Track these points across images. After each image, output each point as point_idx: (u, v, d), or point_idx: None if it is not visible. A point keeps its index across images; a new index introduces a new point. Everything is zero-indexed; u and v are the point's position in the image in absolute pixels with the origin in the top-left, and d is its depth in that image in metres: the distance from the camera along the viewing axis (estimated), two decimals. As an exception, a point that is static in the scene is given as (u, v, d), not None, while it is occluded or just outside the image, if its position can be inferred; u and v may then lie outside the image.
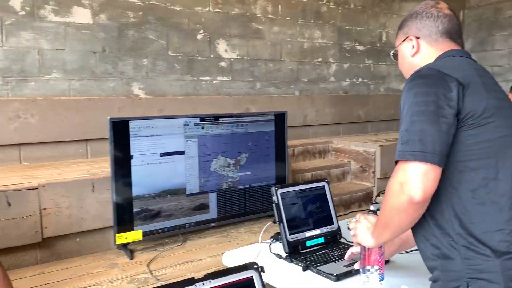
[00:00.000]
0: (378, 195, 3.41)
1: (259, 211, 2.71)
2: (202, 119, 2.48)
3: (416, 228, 1.14)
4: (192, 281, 0.93)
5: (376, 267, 1.33)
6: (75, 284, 1.93)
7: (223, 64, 4.01)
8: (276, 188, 1.73)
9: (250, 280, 0.99)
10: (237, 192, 2.62)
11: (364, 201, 3.50)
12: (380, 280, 1.32)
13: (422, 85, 1.06)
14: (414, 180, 1.01)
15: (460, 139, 1.06)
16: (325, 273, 1.51)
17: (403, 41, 1.32)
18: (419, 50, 1.26)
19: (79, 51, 3.25)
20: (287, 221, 1.71)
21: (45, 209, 2.17)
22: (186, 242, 2.43)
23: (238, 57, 4.09)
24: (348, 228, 1.43)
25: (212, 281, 0.95)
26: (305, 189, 1.82)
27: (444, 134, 1.02)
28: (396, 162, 1.07)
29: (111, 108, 3.13)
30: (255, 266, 1.00)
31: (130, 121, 2.25)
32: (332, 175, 3.59)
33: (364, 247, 1.32)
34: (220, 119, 2.54)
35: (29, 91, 3.07)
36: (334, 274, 1.49)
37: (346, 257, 1.55)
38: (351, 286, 1.46)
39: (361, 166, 3.65)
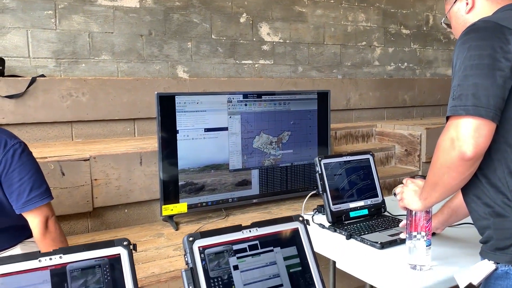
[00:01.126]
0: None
1: (300, 190, 2.71)
2: (245, 96, 2.50)
3: (467, 188, 1.11)
4: (240, 228, 0.95)
5: (423, 233, 1.30)
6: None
7: (265, 47, 4.01)
8: (320, 158, 1.72)
9: (296, 231, 0.99)
10: (279, 169, 2.63)
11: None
12: (427, 245, 1.29)
13: (476, 39, 1.02)
14: (466, 136, 0.98)
15: None
16: (370, 241, 1.50)
17: (455, 2, 1.28)
18: (474, 5, 1.20)
19: (127, 34, 3.36)
20: (330, 191, 1.71)
21: (96, 180, 2.27)
22: (228, 217, 2.48)
23: (281, 41, 4.08)
24: (394, 194, 1.40)
25: (258, 229, 0.96)
26: (349, 160, 1.80)
27: (499, 88, 0.98)
28: (447, 118, 1.04)
29: (157, 88, 3.20)
30: (301, 218, 1.00)
31: (176, 96, 2.31)
32: (375, 158, 3.52)
33: (411, 212, 1.30)
34: (262, 96, 2.55)
35: (79, 72, 3.21)
36: (379, 242, 1.47)
37: (400, 225, 1.54)
38: (396, 255, 1.44)
39: (406, 150, 3.56)
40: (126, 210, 2.41)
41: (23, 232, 1.64)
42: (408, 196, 1.27)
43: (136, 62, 3.44)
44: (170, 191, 2.31)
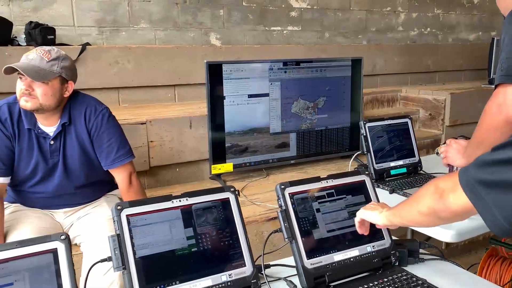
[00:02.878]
0: (445, 143, 3.50)
1: (333, 152, 2.92)
2: (285, 63, 2.67)
3: None
4: (319, 179, 1.14)
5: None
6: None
7: (293, 14, 4.12)
8: (365, 122, 1.91)
9: (362, 183, 1.19)
10: (315, 133, 2.83)
11: (432, 148, 3.60)
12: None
13: None
14: None
15: None
16: (410, 194, 1.71)
17: None
18: None
19: (163, 2, 3.49)
20: (373, 151, 1.91)
21: (151, 141, 2.49)
22: (269, 176, 2.70)
23: (308, 7, 4.18)
24: (437, 153, 1.59)
25: (334, 180, 1.15)
26: (390, 124, 1.99)
27: None
28: (496, 86, 1.21)
29: (194, 56, 3.37)
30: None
31: (223, 64, 2.48)
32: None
33: (453, 168, 1.50)
34: (301, 64, 2.72)
35: (120, 40, 3.38)
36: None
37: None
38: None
39: (430, 114, 3.72)
40: (177, 169, 2.64)
41: (106, 186, 1.89)
42: (452, 154, 1.46)
43: (172, 30, 3.59)
44: (218, 152, 2.53)
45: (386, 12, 4.64)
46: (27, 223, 1.64)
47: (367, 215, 1.13)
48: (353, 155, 2.29)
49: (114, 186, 1.90)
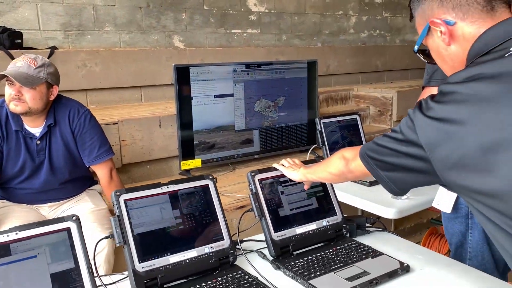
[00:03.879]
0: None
1: (293, 146, 3.17)
2: (248, 66, 2.89)
3: None
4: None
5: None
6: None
7: (252, 17, 4.35)
8: (320, 119, 2.17)
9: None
10: (276, 129, 3.07)
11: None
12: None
13: None
14: None
15: None
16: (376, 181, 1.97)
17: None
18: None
19: (127, 7, 3.63)
20: (328, 144, 2.16)
21: (123, 140, 2.64)
22: (235, 170, 2.91)
23: (266, 11, 4.42)
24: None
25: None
26: (341, 120, 2.26)
27: None
28: (423, 88, 1.48)
29: (159, 58, 3.53)
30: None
31: (190, 67, 2.67)
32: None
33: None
34: (262, 66, 2.95)
35: (86, 43, 3.49)
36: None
37: None
38: None
39: (379, 111, 4.06)
40: (148, 166, 2.80)
41: (87, 182, 2.04)
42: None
43: (136, 33, 3.73)
44: (187, 149, 2.71)
45: (339, 15, 4.96)
46: (14, 217, 1.77)
47: (287, 172, 1.39)
48: (309, 149, 2.55)
49: (94, 182, 2.05)
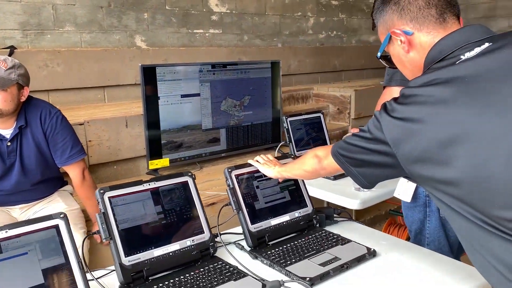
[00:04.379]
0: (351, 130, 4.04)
1: (259, 144, 3.26)
2: (213, 66, 2.95)
3: None
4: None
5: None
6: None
7: (214, 17, 4.40)
8: (286, 117, 2.27)
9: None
10: (242, 128, 3.15)
11: (341, 137, 4.11)
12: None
13: None
14: None
15: None
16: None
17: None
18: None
19: (88, 6, 3.58)
20: (294, 141, 2.27)
21: (90, 141, 2.63)
22: (202, 168, 2.97)
23: (228, 11, 4.48)
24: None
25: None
26: (306, 118, 2.37)
27: None
28: (384, 87, 1.61)
29: (123, 58, 3.52)
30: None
31: (157, 67, 2.70)
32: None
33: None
34: (227, 66, 3.02)
35: (46, 43, 3.42)
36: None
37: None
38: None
39: (338, 109, 4.23)
40: (115, 167, 2.81)
41: (58, 182, 2.03)
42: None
43: (98, 32, 3.69)
44: (155, 149, 2.74)
45: (297, 16, 5.10)
46: (-16, 220, 1.75)
47: (262, 169, 1.48)
48: (275, 146, 2.64)
49: (65, 182, 2.05)
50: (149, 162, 2.72)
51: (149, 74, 2.67)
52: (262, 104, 3.23)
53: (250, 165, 1.50)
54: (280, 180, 1.51)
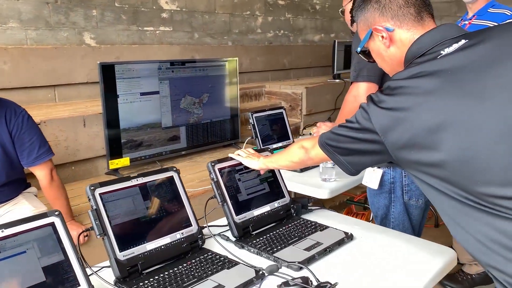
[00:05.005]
0: (304, 128, 4.17)
1: (218, 142, 3.30)
2: (172, 63, 2.94)
3: None
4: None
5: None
6: (81, 199, 2.37)
7: (164, 15, 4.36)
8: (252, 113, 2.33)
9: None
10: (202, 125, 3.17)
11: (294, 134, 4.23)
12: (333, 165, 2.01)
13: None
14: (362, 94, 1.68)
15: None
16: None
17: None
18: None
19: (33, 2, 3.42)
20: (260, 136, 2.34)
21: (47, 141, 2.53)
22: (163, 167, 2.95)
23: (178, 9, 4.46)
24: (310, 134, 2.08)
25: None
26: (270, 114, 2.45)
27: None
28: (352, 83, 1.72)
29: (73, 56, 3.40)
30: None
31: (115, 65, 2.65)
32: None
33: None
34: (186, 64, 3.02)
35: (-13, 39, 3.23)
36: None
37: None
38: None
39: (290, 105, 4.36)
40: (73, 167, 2.72)
41: (23, 184, 1.95)
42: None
43: (44, 29, 3.53)
44: (115, 148, 2.69)
45: (246, 15, 5.17)
46: None
47: (246, 161, 1.53)
48: (234, 143, 2.67)
49: (29, 184, 1.97)
50: (109, 161, 2.67)
51: (107, 72, 2.62)
52: (220, 101, 3.27)
53: (232, 158, 1.54)
54: (262, 172, 1.57)
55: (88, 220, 2.07)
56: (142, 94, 2.80)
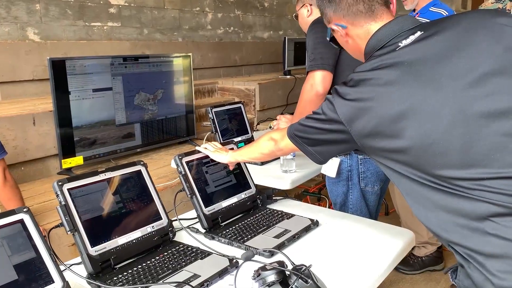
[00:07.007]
0: (258, 123, 4.23)
1: (173, 138, 3.27)
2: (125, 59, 2.88)
3: None
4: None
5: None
6: (34, 200, 2.28)
7: (112, 10, 4.24)
8: (211, 108, 2.34)
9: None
10: (156, 122, 3.13)
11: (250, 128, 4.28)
12: (293, 156, 2.06)
13: (319, 28, 1.78)
14: (318, 82, 1.75)
15: None
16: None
17: (301, 7, 2.01)
18: (312, 13, 1.96)
19: (-31, -6, 3.22)
20: (220, 131, 2.35)
21: (-3, 140, 2.39)
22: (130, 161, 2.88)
23: (126, 4, 4.35)
24: (270, 127, 2.13)
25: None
26: (228, 109, 2.47)
27: (334, 54, 1.77)
28: (308, 73, 1.78)
29: (17, 52, 3.23)
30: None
31: (66, 60, 2.56)
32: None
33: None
34: (139, 59, 2.97)
35: None
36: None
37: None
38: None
39: (243, 101, 4.39)
40: (23, 168, 2.59)
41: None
42: (282, 125, 2.00)
43: (-17, 23, 3.33)
44: (67, 147, 2.59)
45: (196, 11, 5.14)
46: None
47: (214, 155, 1.55)
48: (189, 139, 2.65)
49: (-22, 185, 1.86)
50: (62, 160, 2.57)
51: (58, 68, 2.52)
52: (175, 97, 3.24)
53: (199, 151, 1.55)
54: (231, 166, 1.58)
55: (46, 220, 2.00)
56: (95, 90, 2.72)
